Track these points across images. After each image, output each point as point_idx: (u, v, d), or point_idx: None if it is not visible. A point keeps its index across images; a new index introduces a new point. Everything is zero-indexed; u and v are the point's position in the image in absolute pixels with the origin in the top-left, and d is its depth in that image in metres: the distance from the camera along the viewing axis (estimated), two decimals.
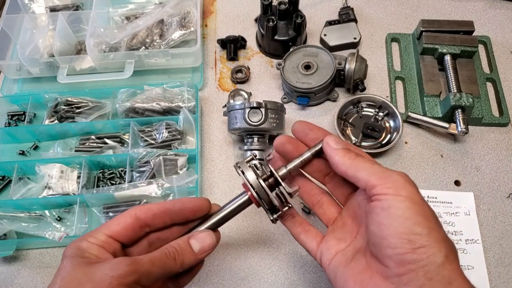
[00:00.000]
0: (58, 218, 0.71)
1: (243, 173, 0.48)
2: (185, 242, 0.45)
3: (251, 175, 0.47)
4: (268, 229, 0.70)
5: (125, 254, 0.45)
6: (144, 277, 0.40)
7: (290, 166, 0.49)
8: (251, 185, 0.47)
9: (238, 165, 0.49)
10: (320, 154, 0.49)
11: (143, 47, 0.86)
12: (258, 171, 0.48)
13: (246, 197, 0.49)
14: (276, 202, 0.47)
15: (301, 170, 0.52)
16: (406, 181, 0.40)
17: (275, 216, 0.49)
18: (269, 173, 0.49)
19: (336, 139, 0.46)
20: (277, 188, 0.48)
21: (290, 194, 0.48)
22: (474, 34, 0.83)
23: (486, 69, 0.85)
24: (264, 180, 0.48)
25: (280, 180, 0.48)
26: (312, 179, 0.53)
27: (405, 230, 0.37)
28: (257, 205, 0.48)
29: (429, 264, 0.36)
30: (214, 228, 0.49)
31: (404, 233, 0.37)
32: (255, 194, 0.47)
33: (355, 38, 0.87)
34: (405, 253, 0.37)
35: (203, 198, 0.49)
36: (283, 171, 0.49)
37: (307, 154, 0.49)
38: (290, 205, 0.50)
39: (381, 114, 0.78)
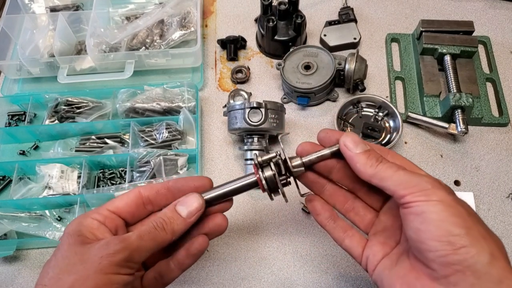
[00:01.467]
0: (59, 218, 0.71)
1: (256, 156, 0.47)
2: (172, 210, 0.44)
3: (263, 159, 0.47)
4: (268, 229, 0.70)
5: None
6: (135, 253, 0.40)
7: (306, 159, 0.48)
8: (261, 169, 0.46)
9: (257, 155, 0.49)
10: (339, 154, 0.47)
11: (143, 47, 0.86)
12: (270, 156, 0.47)
13: (254, 179, 0.47)
14: (282, 190, 0.46)
15: (329, 178, 0.50)
16: (434, 186, 0.39)
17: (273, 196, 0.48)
18: (282, 160, 0.48)
19: (354, 138, 0.44)
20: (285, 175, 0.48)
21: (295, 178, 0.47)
22: (474, 34, 0.83)
23: (486, 69, 0.85)
24: (276, 166, 0.47)
25: (291, 168, 0.47)
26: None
27: (442, 233, 0.36)
28: (263, 190, 0.47)
29: (475, 263, 0.35)
30: (214, 202, 0.48)
31: (442, 236, 0.36)
32: (263, 180, 0.46)
33: (355, 38, 0.87)
34: (447, 254, 0.36)
35: (205, 177, 0.48)
36: (297, 161, 0.48)
37: (325, 151, 0.47)
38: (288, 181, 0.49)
39: (381, 114, 0.78)
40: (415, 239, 0.39)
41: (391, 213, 0.47)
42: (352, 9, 0.91)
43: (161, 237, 0.43)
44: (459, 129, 0.72)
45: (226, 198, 0.48)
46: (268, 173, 0.47)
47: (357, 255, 0.48)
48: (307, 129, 0.80)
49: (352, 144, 0.44)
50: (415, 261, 0.41)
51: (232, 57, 0.88)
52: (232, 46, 0.88)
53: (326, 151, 0.47)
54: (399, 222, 0.45)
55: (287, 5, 0.81)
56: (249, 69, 0.86)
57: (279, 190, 0.47)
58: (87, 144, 0.77)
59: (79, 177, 0.73)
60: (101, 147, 0.76)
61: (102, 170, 0.76)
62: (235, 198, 0.70)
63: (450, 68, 0.80)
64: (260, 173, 0.47)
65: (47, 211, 0.71)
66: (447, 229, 0.36)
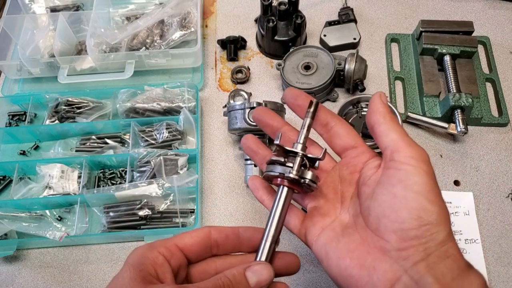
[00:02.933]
0: (59, 218, 0.71)
1: (270, 168, 0.45)
2: (241, 274, 0.40)
3: (276, 168, 0.44)
4: None
5: (188, 272, 0.43)
6: None
7: (301, 139, 0.46)
8: (282, 174, 0.44)
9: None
10: (314, 116, 0.47)
11: (144, 48, 0.86)
12: (277, 158, 0.45)
13: (285, 189, 0.45)
14: (310, 175, 0.44)
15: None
16: (427, 155, 0.39)
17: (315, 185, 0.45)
18: (288, 155, 0.46)
19: (385, 97, 0.45)
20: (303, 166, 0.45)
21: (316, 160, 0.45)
22: (473, 34, 0.83)
23: (485, 69, 0.85)
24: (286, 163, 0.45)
25: (305, 158, 0.45)
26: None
27: (417, 206, 0.36)
28: (300, 189, 0.45)
29: (431, 241, 0.36)
30: (277, 238, 0.44)
31: (415, 209, 0.36)
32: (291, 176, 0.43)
33: (354, 39, 0.87)
34: (410, 229, 0.36)
35: None
36: (298, 147, 0.45)
37: (308, 121, 0.46)
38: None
39: None
40: (387, 206, 0.38)
41: (332, 186, 0.47)
42: (352, 10, 0.91)
43: None
44: (459, 129, 0.72)
45: (282, 225, 0.45)
46: (308, 175, 0.43)
47: (294, 226, 0.47)
48: None
49: (385, 99, 0.44)
50: (366, 233, 0.40)
51: (232, 57, 0.88)
52: (232, 46, 0.88)
53: (309, 120, 0.47)
54: (339, 195, 0.46)
55: (287, 6, 0.81)
56: (249, 69, 0.86)
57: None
58: (88, 144, 0.77)
59: (79, 177, 0.73)
60: (102, 147, 0.76)
61: (102, 170, 0.76)
62: (234, 199, 0.70)
63: (449, 68, 0.80)
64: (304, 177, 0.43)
65: (47, 211, 0.71)
66: (423, 203, 0.37)
